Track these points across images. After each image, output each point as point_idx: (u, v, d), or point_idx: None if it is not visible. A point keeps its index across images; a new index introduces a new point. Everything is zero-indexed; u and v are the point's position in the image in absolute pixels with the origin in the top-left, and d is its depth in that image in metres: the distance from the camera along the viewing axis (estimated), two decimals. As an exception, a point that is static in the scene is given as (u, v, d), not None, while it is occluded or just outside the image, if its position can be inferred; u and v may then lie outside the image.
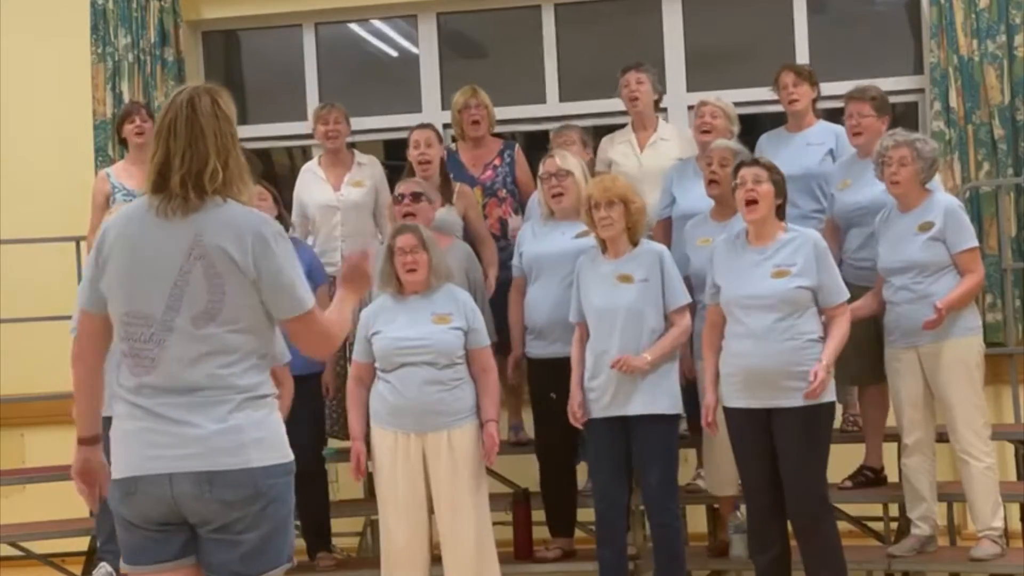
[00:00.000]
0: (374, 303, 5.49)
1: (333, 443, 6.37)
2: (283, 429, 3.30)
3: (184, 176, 3.17)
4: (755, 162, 5.21)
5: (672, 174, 6.17)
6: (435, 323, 5.35)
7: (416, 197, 5.86)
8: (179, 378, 3.17)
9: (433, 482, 5.35)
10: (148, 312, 3.18)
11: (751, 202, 5.12)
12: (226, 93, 3.30)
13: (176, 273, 3.17)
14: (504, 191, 6.53)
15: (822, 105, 6.37)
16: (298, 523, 6.16)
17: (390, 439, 5.35)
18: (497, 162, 6.57)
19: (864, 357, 5.70)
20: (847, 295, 5.19)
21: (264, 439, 3.21)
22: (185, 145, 3.18)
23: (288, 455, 3.27)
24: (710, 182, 5.68)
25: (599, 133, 6.95)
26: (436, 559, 5.49)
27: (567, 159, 5.80)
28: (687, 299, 5.46)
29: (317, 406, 5.95)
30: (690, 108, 6.95)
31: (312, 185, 6.54)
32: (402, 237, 5.43)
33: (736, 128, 6.11)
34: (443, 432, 5.32)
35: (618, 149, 6.49)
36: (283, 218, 6.00)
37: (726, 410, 5.22)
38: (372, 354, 5.40)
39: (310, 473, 5.89)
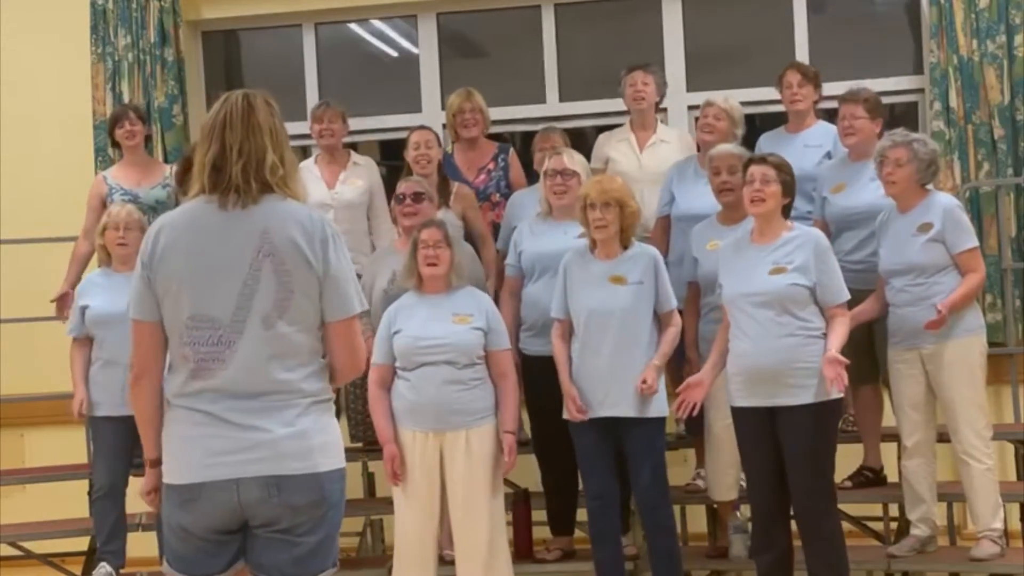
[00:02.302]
0: (396, 303, 5.49)
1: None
2: (340, 434, 3.29)
3: (245, 166, 3.15)
4: (763, 160, 5.19)
5: (673, 173, 6.17)
6: (455, 323, 5.35)
7: (418, 197, 5.86)
8: (247, 382, 3.13)
9: (449, 481, 5.35)
10: (215, 315, 3.13)
11: (756, 200, 5.12)
12: (274, 100, 3.30)
13: (246, 272, 3.13)
14: (498, 195, 6.54)
15: (821, 105, 6.37)
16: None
17: (408, 437, 5.35)
18: (491, 166, 6.58)
19: (857, 358, 5.70)
20: (847, 296, 5.17)
21: (328, 444, 3.21)
22: (242, 137, 3.17)
23: (344, 460, 3.27)
24: (723, 190, 5.67)
25: (599, 133, 6.94)
26: (440, 560, 5.49)
27: (575, 159, 5.81)
28: (675, 302, 5.47)
29: None
30: (690, 108, 6.96)
31: (307, 183, 6.50)
32: (427, 231, 5.43)
33: (740, 131, 6.11)
34: (461, 432, 5.32)
35: (616, 147, 6.49)
36: None
37: (733, 410, 5.22)
38: (393, 355, 5.40)
39: None
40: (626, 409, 5.34)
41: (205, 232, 3.17)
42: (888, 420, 5.99)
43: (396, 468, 5.34)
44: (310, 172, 6.63)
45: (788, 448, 5.06)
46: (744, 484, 5.54)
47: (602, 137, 6.63)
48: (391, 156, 7.24)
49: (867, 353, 5.78)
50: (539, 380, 5.73)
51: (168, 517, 3.20)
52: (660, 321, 5.44)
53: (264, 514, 3.14)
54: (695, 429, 5.85)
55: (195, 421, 3.15)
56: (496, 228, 6.42)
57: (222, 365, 3.13)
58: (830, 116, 6.32)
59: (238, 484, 3.10)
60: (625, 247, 5.45)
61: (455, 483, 5.34)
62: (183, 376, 3.17)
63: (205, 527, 3.15)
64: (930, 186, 5.54)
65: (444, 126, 7.11)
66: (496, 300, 5.82)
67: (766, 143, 6.24)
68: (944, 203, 5.48)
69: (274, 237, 3.14)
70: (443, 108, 7.33)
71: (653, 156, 6.37)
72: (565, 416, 5.45)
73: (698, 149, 6.19)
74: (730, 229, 5.62)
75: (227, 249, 3.15)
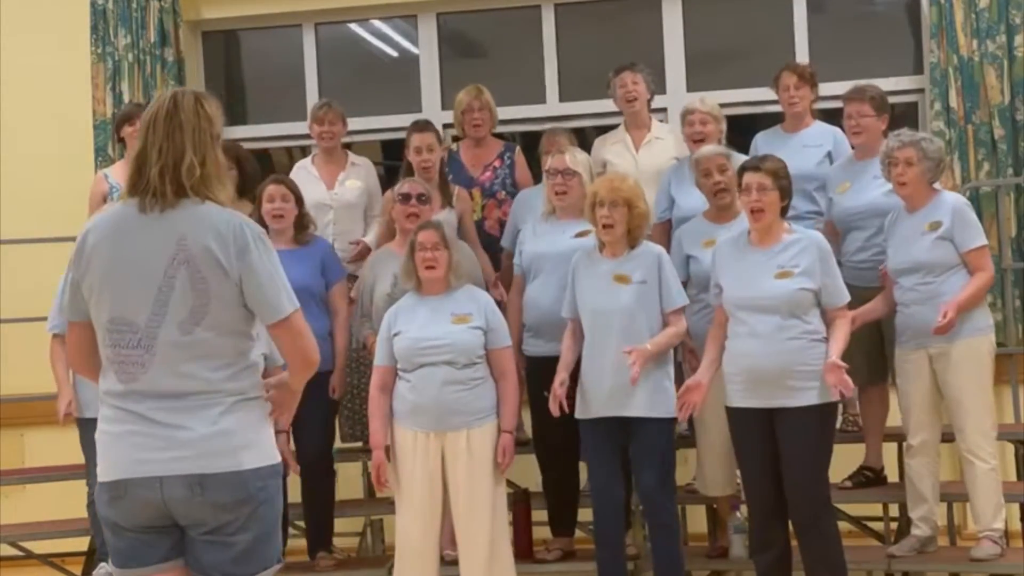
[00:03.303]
0: (396, 304, 5.49)
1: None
2: (272, 431, 3.29)
3: (162, 169, 3.15)
4: (757, 167, 5.17)
5: (670, 176, 6.15)
6: (454, 323, 5.35)
7: (422, 199, 5.87)
8: (168, 384, 3.15)
9: (451, 481, 5.34)
10: (133, 318, 3.16)
11: (756, 211, 5.11)
12: (212, 98, 3.29)
13: (161, 278, 3.15)
14: (504, 193, 6.53)
15: (822, 105, 6.37)
16: (299, 523, 6.17)
17: (409, 438, 5.34)
18: (497, 163, 6.58)
19: (866, 358, 5.70)
20: (848, 298, 5.18)
21: (254, 441, 3.21)
22: (163, 139, 3.17)
23: (276, 457, 3.27)
24: (718, 192, 5.66)
25: (599, 133, 6.95)
26: (440, 560, 5.48)
27: (576, 158, 5.80)
28: (684, 300, 5.45)
29: (326, 405, 5.94)
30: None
31: (306, 183, 6.54)
32: (423, 233, 5.43)
33: (724, 126, 6.10)
34: (462, 432, 5.32)
35: (612, 149, 6.48)
36: (306, 216, 6.01)
37: (729, 410, 5.22)
38: (393, 357, 5.40)
39: (318, 471, 5.88)
40: (632, 409, 5.33)
41: (124, 236, 3.19)
42: (890, 420, 5.99)
43: (382, 476, 5.36)
44: (308, 172, 6.63)
45: (787, 449, 5.06)
46: (740, 483, 5.54)
47: (598, 141, 6.63)
48: (393, 156, 7.24)
49: (876, 354, 5.76)
50: (540, 380, 5.73)
51: (101, 514, 3.24)
52: (667, 321, 5.42)
53: (190, 513, 3.15)
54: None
55: (121, 420, 3.18)
56: (503, 225, 6.42)
57: (142, 368, 3.16)
58: (827, 116, 6.32)
59: (162, 482, 3.13)
60: (632, 247, 5.45)
61: (457, 483, 5.33)
62: (110, 376, 3.21)
63: (133, 522, 3.18)
64: (938, 185, 5.54)
65: (444, 126, 7.12)
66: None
67: (763, 142, 6.23)
68: (953, 201, 5.47)
69: (190, 244, 3.14)
70: (443, 108, 7.36)
71: (649, 154, 6.37)
72: (577, 415, 5.44)
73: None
74: (723, 227, 5.62)
75: (144, 254, 3.16)
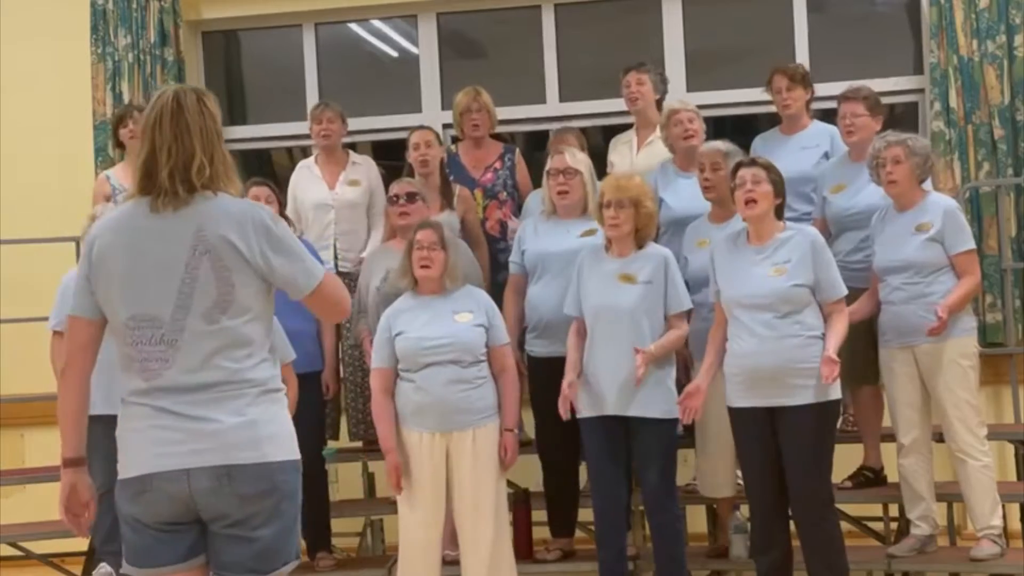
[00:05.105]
0: (393, 305, 5.48)
1: (333, 443, 6.37)
2: (292, 426, 3.30)
3: (172, 170, 3.16)
4: (753, 162, 5.21)
5: (655, 181, 6.09)
6: (457, 321, 5.35)
7: (411, 198, 5.88)
8: (194, 377, 3.15)
9: (455, 481, 5.33)
10: (156, 313, 3.15)
11: (750, 201, 5.12)
12: (211, 95, 3.30)
13: (182, 271, 3.15)
14: (504, 194, 6.53)
15: (822, 105, 6.36)
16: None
17: (415, 438, 5.33)
18: (498, 165, 6.58)
19: (859, 359, 5.70)
20: (845, 291, 5.18)
21: (277, 434, 3.21)
22: (171, 140, 3.17)
23: (297, 452, 3.28)
24: (704, 188, 5.67)
25: (599, 133, 6.95)
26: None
27: (576, 157, 5.80)
28: (689, 304, 5.45)
29: (317, 404, 5.95)
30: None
31: (308, 183, 6.56)
32: (422, 232, 5.43)
33: (704, 124, 6.10)
34: (468, 431, 5.31)
35: (619, 150, 6.51)
36: (286, 217, 6.02)
37: (730, 410, 5.22)
38: (393, 359, 5.38)
39: (310, 471, 5.87)
40: (633, 408, 5.33)
41: (138, 235, 3.19)
42: (888, 420, 5.99)
43: (399, 478, 5.33)
44: (310, 172, 6.64)
45: (787, 449, 5.06)
46: (741, 483, 5.54)
47: (613, 141, 6.64)
48: (385, 156, 7.24)
49: (869, 354, 5.76)
50: (544, 381, 5.72)
51: (122, 511, 3.23)
52: (670, 324, 5.41)
53: (215, 505, 3.14)
54: (693, 428, 5.84)
55: (144, 415, 3.17)
56: (504, 226, 6.43)
57: (166, 364, 3.16)
58: (827, 117, 6.32)
59: (189, 474, 3.12)
60: (640, 247, 5.44)
61: (462, 483, 5.33)
62: (133, 376, 3.20)
63: (155, 517, 3.17)
64: (927, 186, 5.54)
65: (444, 126, 7.12)
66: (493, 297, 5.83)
67: (760, 145, 6.22)
68: (944, 204, 5.49)
69: (208, 235, 3.16)
70: (443, 108, 7.35)
71: (647, 155, 6.35)
72: (579, 414, 5.43)
73: (672, 151, 6.15)
74: (717, 227, 5.62)
75: (161, 250, 3.16)
